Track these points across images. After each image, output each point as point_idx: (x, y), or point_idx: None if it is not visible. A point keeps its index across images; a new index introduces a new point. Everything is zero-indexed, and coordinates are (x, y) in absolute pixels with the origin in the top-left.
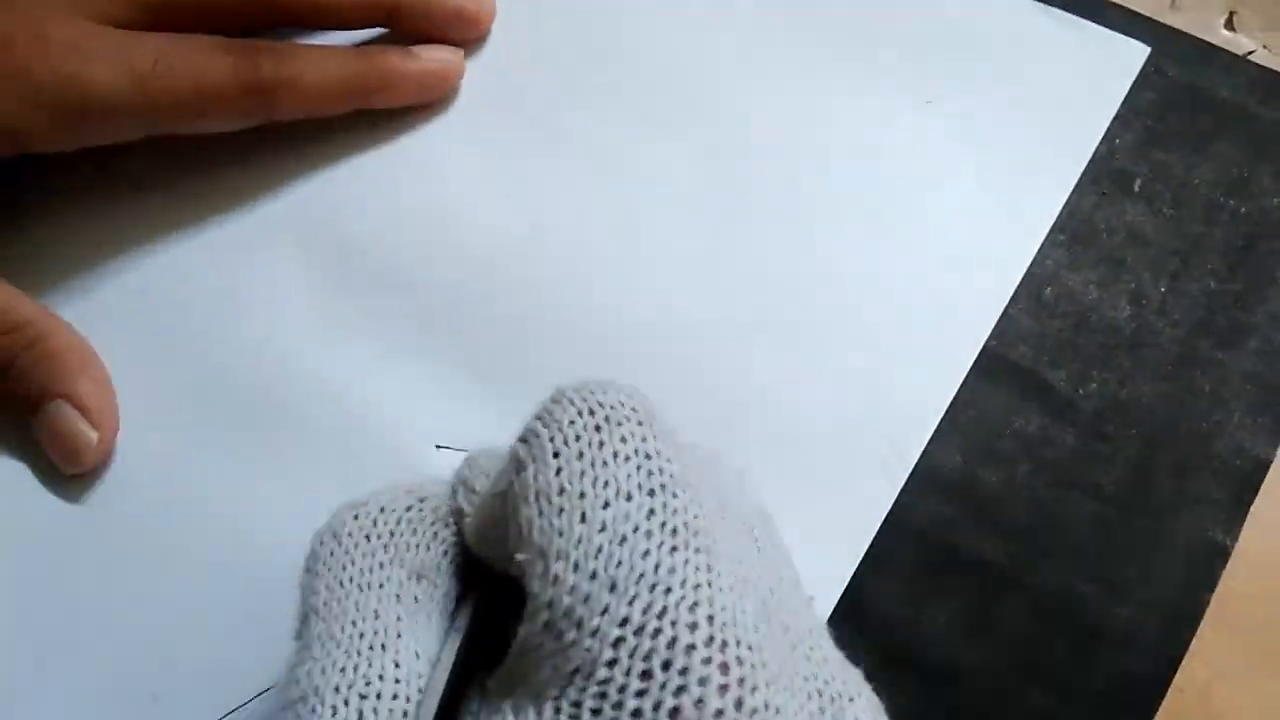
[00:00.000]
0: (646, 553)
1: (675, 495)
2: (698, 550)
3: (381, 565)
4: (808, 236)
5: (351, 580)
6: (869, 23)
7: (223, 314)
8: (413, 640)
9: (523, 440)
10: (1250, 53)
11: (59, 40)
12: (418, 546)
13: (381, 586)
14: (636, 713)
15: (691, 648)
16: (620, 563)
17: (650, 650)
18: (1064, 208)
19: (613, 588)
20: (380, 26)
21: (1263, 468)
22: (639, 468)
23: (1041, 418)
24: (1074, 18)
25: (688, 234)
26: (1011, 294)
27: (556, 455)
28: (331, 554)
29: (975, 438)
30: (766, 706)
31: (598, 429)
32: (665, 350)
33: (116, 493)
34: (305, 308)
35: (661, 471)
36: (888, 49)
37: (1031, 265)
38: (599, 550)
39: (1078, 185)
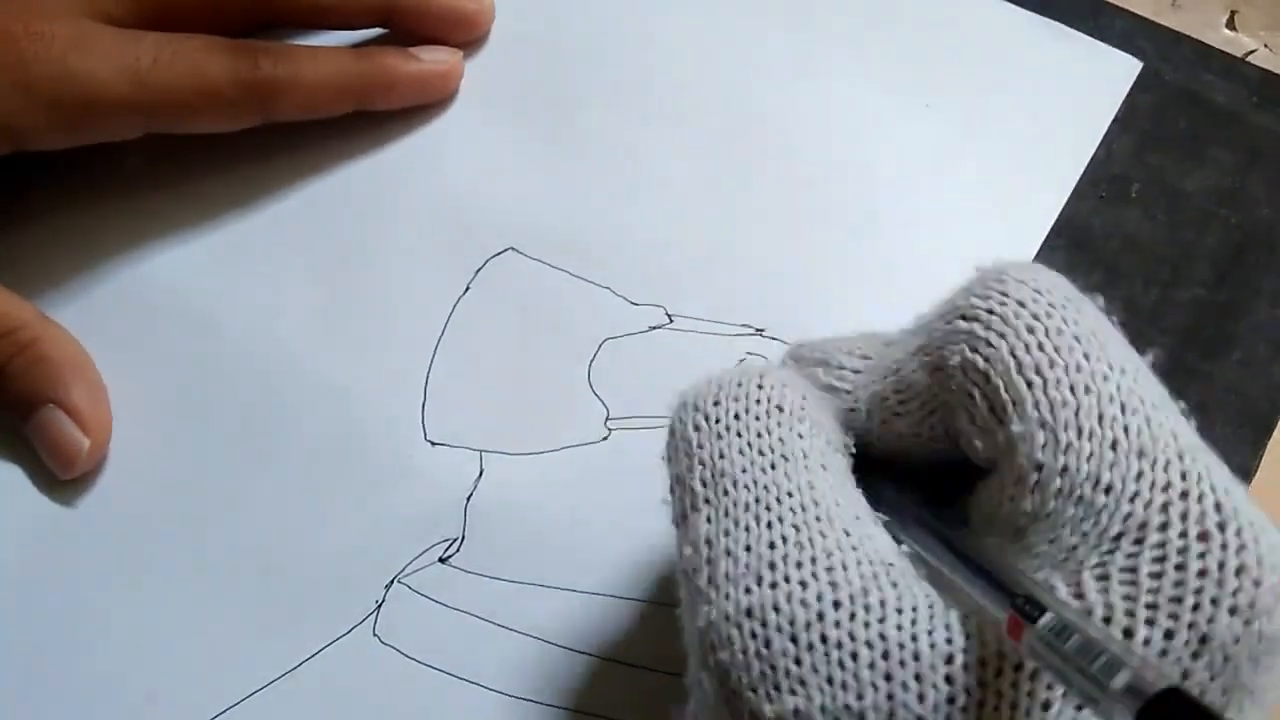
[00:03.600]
0: (1161, 423)
1: (1147, 373)
2: (1190, 426)
3: (802, 436)
4: (806, 240)
5: (773, 450)
6: (870, 29)
7: (219, 315)
8: (850, 506)
9: (968, 319)
10: (1251, 52)
11: (59, 38)
12: (826, 418)
13: (807, 456)
14: (1203, 573)
15: (1237, 510)
16: (1140, 431)
17: (1201, 513)
18: (1061, 212)
19: (1142, 454)
20: (379, 27)
21: (1245, 477)
22: (1119, 342)
23: None
24: (1070, 30)
25: (687, 234)
26: None
27: (1031, 331)
28: (739, 418)
29: None
30: None
31: (1064, 305)
32: (667, 348)
33: (113, 493)
34: (304, 308)
35: (1128, 348)
36: (888, 55)
37: None
38: (1114, 419)
39: (1076, 189)
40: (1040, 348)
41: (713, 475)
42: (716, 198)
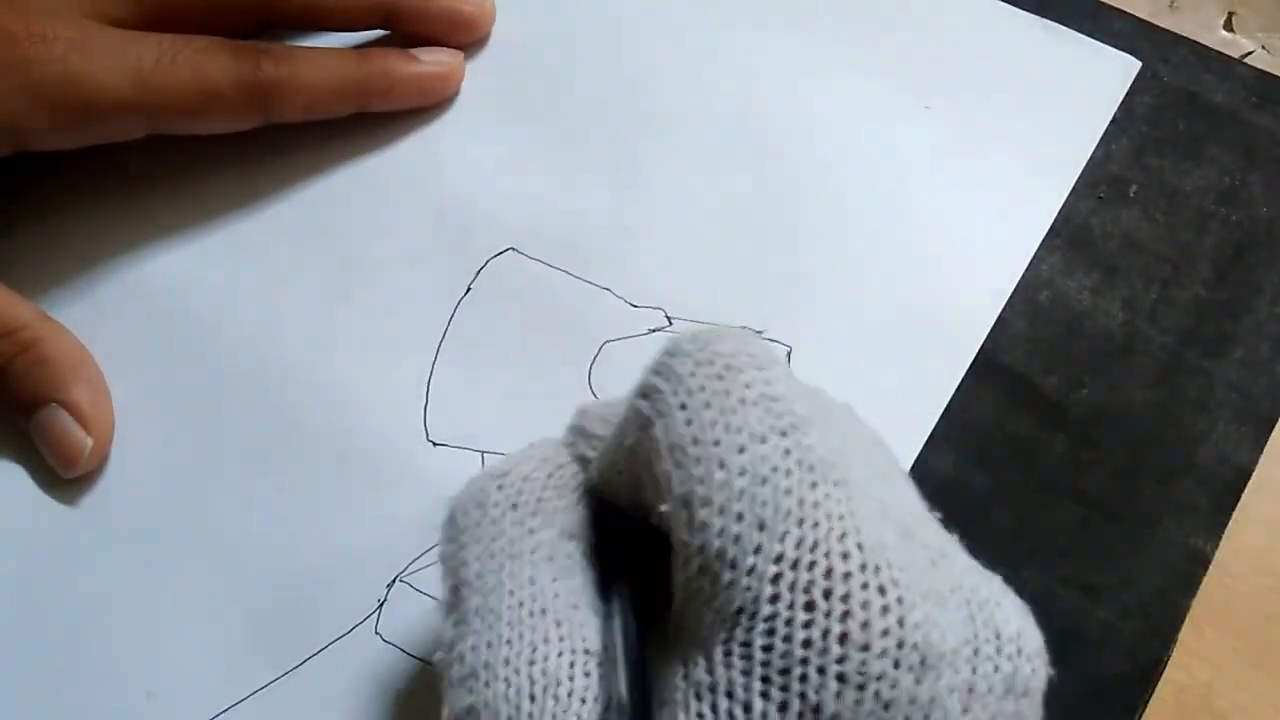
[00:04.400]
0: (789, 490)
1: (806, 434)
2: (836, 484)
3: (532, 531)
4: (805, 240)
5: (503, 550)
6: (868, 31)
7: (221, 315)
8: (569, 595)
9: (643, 396)
10: (1249, 54)
11: (60, 39)
12: (565, 508)
13: (533, 552)
14: (807, 643)
15: (848, 575)
16: (765, 502)
17: (809, 582)
18: (1060, 213)
19: (762, 526)
20: (380, 29)
21: (1245, 475)
22: (767, 410)
23: (1032, 423)
24: (1069, 31)
25: (686, 235)
26: (1008, 299)
27: (684, 408)
28: (478, 524)
29: (967, 442)
30: (925, 620)
31: (719, 377)
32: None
33: (114, 493)
34: (305, 309)
35: (790, 413)
36: (886, 56)
37: (1027, 270)
38: (741, 493)
39: (1074, 190)
40: (688, 423)
41: (456, 583)
42: (716, 199)
